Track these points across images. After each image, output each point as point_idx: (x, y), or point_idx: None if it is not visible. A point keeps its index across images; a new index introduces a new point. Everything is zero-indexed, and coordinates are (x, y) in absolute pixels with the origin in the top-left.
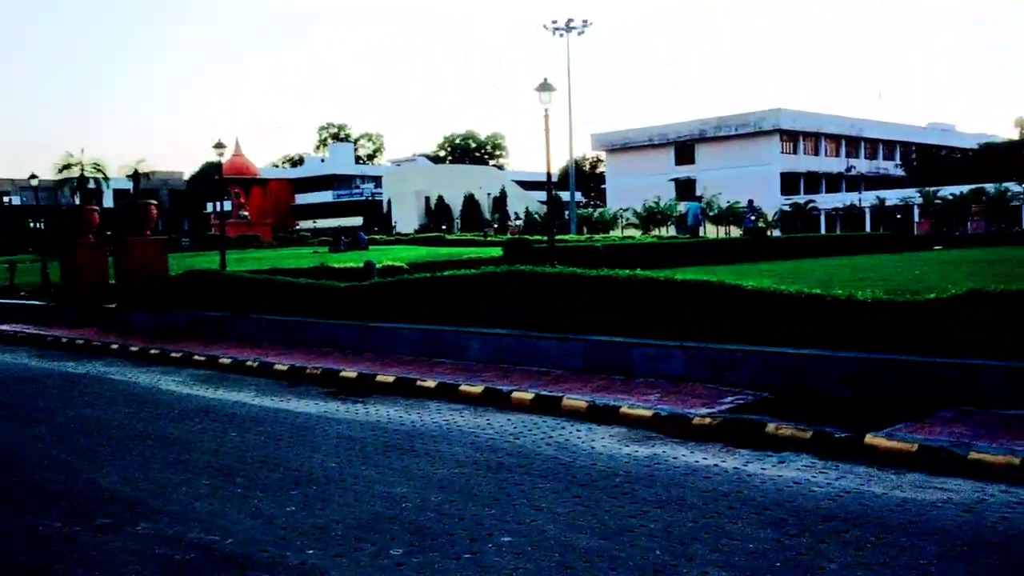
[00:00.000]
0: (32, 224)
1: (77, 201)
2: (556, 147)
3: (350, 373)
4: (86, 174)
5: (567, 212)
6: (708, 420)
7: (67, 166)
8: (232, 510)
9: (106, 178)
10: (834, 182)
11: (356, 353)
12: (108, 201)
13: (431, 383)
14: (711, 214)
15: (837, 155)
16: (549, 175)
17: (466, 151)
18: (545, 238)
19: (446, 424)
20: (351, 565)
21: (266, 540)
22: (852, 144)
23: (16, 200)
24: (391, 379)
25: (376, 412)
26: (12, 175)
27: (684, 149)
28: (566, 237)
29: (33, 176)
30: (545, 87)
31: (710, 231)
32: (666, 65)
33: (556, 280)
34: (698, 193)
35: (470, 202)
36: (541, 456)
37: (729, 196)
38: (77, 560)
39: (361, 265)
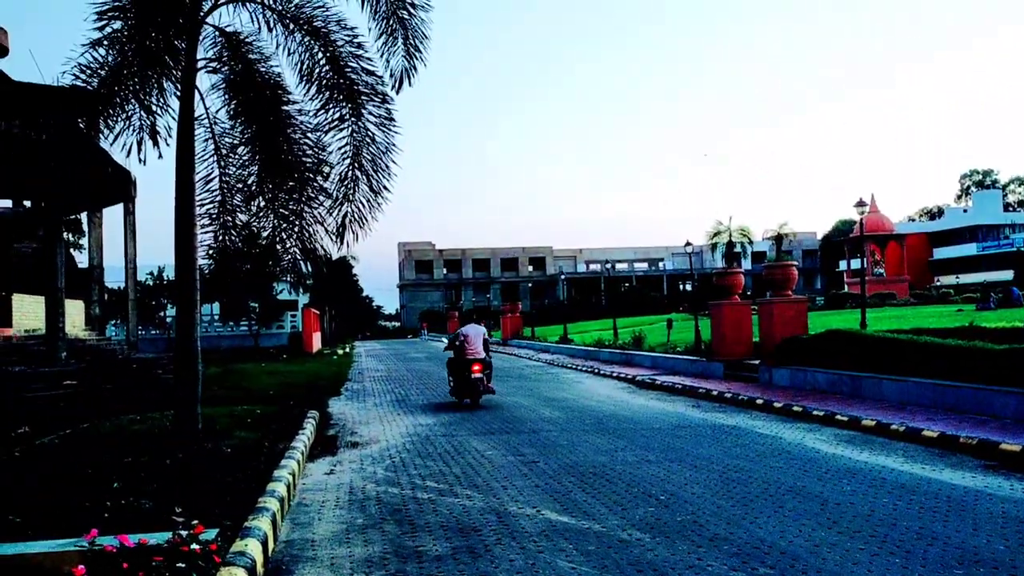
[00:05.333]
0: (681, 287)
1: (720, 264)
2: None
3: (1013, 446)
4: (733, 239)
5: None
6: None
7: (717, 232)
8: None
9: (750, 241)
10: None
11: (1017, 423)
12: (746, 263)
13: None
14: None
15: None
16: None
17: None
18: None
19: None
20: None
21: None
22: None
23: (669, 265)
24: None
25: None
26: (667, 243)
27: None
28: None
29: (688, 243)
30: None
31: None
32: None
33: None
34: None
35: None
36: None
37: None
38: None
39: (1022, 324)
